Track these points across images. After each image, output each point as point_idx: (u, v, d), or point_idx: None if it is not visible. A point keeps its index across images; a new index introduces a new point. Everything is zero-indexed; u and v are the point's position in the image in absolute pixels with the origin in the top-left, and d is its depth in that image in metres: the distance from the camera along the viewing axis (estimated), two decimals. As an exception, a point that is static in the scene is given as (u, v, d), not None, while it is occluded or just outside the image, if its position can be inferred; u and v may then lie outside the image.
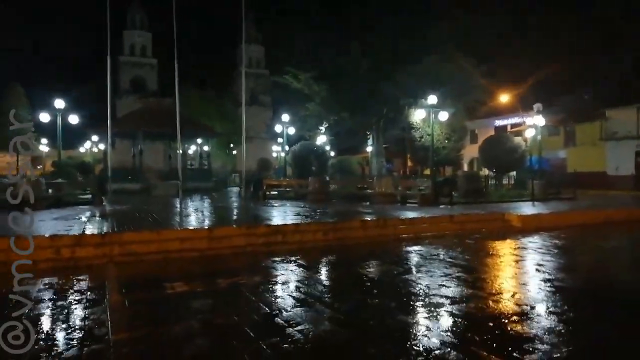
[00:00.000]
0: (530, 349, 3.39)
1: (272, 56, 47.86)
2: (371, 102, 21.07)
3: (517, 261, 7.06)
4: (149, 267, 6.73)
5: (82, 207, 13.43)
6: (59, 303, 4.78)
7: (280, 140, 31.99)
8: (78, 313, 4.41)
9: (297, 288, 5.39)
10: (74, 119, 16.98)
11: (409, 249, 8.32)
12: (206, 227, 8.56)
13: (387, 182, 15.80)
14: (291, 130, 23.60)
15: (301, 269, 6.48)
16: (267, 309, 4.49)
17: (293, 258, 7.21)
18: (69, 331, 3.91)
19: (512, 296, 4.91)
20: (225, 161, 48.50)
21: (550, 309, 4.38)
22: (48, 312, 4.50)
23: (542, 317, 4.15)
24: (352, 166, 35.96)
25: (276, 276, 6.03)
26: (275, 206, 14.31)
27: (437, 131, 20.40)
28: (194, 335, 3.72)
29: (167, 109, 30.75)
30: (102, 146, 38.10)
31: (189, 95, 46.71)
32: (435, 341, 3.54)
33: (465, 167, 38.17)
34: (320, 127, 24.67)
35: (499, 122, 41.11)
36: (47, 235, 7.29)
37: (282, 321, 4.08)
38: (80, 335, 3.78)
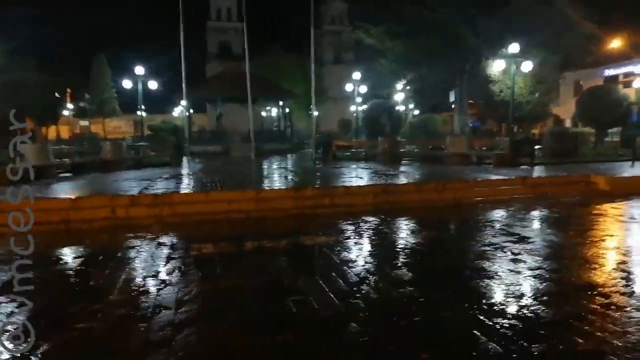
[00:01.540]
0: (541, 335, 2.84)
1: (352, 12, 46.21)
2: (451, 54, 19.46)
3: (585, 230, 6.12)
4: (190, 228, 6.89)
5: (158, 169, 14.25)
6: (85, 261, 5.05)
7: (359, 100, 31.35)
8: (95, 272, 4.59)
9: (318, 254, 5.16)
10: (153, 85, 17.88)
11: (463, 215, 7.65)
12: (253, 189, 8.58)
13: (461, 141, 14.73)
14: (363, 89, 22.81)
15: (333, 235, 6.18)
16: (269, 275, 4.34)
17: (333, 222, 6.96)
18: (71, 288, 4.08)
19: (556, 272, 4.22)
20: (307, 122, 48.86)
21: (602, 292, 3.67)
22: (71, 269, 4.75)
23: (586, 301, 3.49)
24: (436, 125, 34.32)
25: (303, 241, 5.83)
26: (340, 168, 14.05)
27: (520, 84, 18.28)
28: (183, 301, 3.67)
29: (251, 74, 31.38)
30: (190, 111, 40.22)
31: (271, 57, 47.22)
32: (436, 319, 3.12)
33: (568, 123, 34.61)
34: (397, 85, 23.50)
35: (609, 72, 36.38)
36: (106, 195, 7.79)
37: (280, 289, 3.90)
38: (82, 293, 3.92)
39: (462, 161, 14.44)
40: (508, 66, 13.87)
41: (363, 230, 6.42)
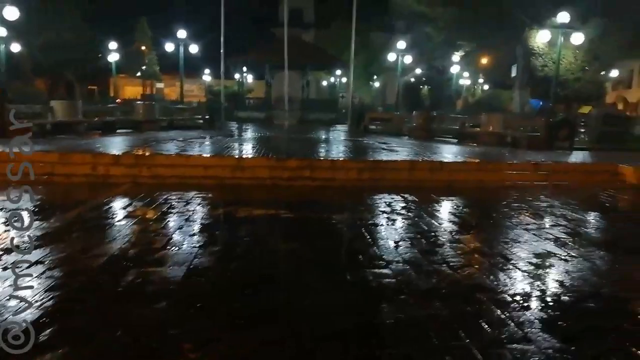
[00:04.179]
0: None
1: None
2: (503, 24, 17.69)
3: (552, 226, 5.36)
4: (151, 190, 6.90)
5: (185, 132, 14.58)
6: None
7: (417, 70, 29.96)
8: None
9: (235, 227, 5.02)
10: (194, 49, 18.24)
11: (438, 198, 7.03)
12: (235, 157, 8.52)
13: (496, 120, 13.58)
14: (408, 59, 21.67)
15: (282, 209, 5.92)
16: (164, 239, 4.27)
17: (294, 199, 6.71)
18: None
19: (437, 261, 3.75)
20: (367, 93, 47.70)
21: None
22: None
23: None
24: (500, 102, 32.18)
25: (234, 214, 5.62)
26: (361, 141, 13.58)
27: (570, 58, 16.21)
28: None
29: (303, 41, 31.12)
30: (249, 77, 40.85)
31: (338, 27, 46.22)
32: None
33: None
34: (453, 57, 22.05)
35: None
36: (90, 154, 8.11)
37: (151, 257, 3.82)
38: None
39: (496, 141, 13.38)
40: (555, 37, 12.33)
41: (309, 208, 6.12)
